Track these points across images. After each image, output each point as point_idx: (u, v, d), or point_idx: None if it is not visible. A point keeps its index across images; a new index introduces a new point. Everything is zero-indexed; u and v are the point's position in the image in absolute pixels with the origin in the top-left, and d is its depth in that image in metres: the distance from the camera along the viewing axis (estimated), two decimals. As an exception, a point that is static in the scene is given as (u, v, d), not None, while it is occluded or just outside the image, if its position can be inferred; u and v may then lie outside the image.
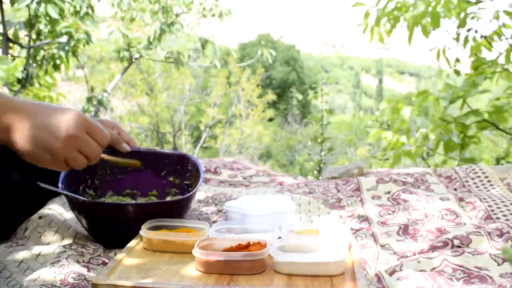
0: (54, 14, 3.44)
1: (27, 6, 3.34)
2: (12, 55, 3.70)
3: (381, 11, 2.79)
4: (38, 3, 3.38)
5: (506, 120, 2.75)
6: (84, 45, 4.02)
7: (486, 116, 2.73)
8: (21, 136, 0.80)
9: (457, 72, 2.79)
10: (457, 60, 2.83)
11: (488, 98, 2.91)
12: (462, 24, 2.71)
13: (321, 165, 2.93)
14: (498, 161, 2.98)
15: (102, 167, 1.19)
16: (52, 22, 3.55)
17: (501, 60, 2.69)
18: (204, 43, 6.63)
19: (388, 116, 2.94)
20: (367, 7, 2.82)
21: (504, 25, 2.71)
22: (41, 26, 3.90)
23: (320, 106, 2.97)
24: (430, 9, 2.64)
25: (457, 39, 2.78)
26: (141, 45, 6.11)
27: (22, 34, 3.82)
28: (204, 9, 6.14)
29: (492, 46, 2.75)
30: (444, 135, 2.74)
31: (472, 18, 2.71)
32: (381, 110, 3.09)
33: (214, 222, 1.20)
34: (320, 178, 2.59)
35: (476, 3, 2.69)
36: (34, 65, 3.84)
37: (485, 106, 2.85)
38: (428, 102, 2.76)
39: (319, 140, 2.86)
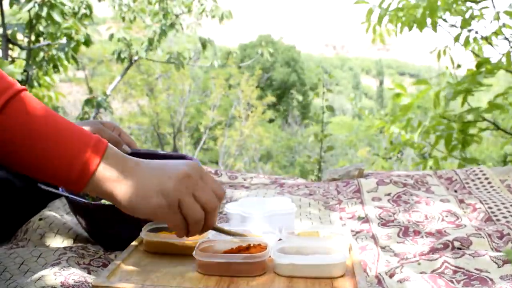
0: (58, 18, 3.45)
1: (29, 10, 3.35)
2: (11, 57, 3.70)
3: (384, 10, 2.78)
4: (40, 6, 3.38)
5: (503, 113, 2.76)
6: (87, 46, 4.02)
7: (486, 115, 2.73)
8: (129, 186, 0.73)
9: (459, 66, 2.77)
10: (459, 66, 2.83)
11: (489, 98, 2.90)
12: (464, 25, 2.71)
13: (321, 163, 2.93)
14: (505, 162, 2.97)
15: None
16: (54, 23, 3.56)
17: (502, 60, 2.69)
18: (204, 44, 6.63)
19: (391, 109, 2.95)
20: (369, 5, 2.82)
21: (504, 25, 2.71)
22: (41, 28, 3.91)
23: (321, 104, 2.98)
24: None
25: (457, 39, 2.78)
26: (142, 46, 6.12)
27: (22, 35, 3.83)
28: (204, 10, 6.15)
29: (491, 45, 2.75)
30: (445, 131, 2.74)
31: (473, 18, 2.71)
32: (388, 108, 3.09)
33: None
34: (320, 175, 2.59)
35: (477, 2, 2.69)
36: (34, 66, 3.84)
37: (486, 106, 2.85)
38: (428, 97, 2.76)
39: (319, 138, 2.87)
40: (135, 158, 0.77)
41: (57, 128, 0.71)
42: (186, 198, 0.74)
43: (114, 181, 0.73)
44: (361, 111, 3.28)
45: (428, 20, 2.68)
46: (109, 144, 0.74)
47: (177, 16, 6.18)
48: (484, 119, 2.76)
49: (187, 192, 0.74)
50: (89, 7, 4.43)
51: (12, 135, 0.68)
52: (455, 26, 2.76)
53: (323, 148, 2.88)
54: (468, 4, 2.70)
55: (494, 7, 2.69)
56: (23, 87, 0.72)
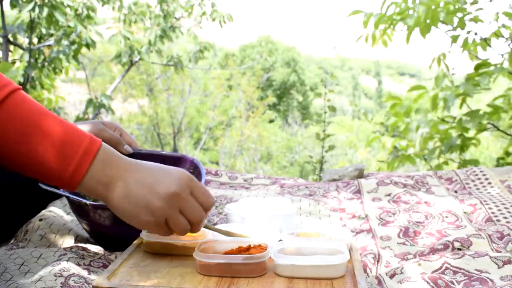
0: (62, 19, 3.45)
1: (29, 10, 3.35)
2: (13, 60, 3.71)
3: (380, 16, 2.78)
4: (40, 7, 3.39)
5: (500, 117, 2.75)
6: (88, 49, 4.03)
7: (485, 118, 2.73)
8: (120, 192, 0.74)
9: (454, 72, 2.77)
10: (453, 74, 2.83)
11: (488, 100, 2.90)
12: (461, 25, 2.71)
13: (323, 163, 2.93)
14: (498, 161, 2.97)
15: None
16: (53, 24, 3.57)
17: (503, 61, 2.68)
18: (204, 46, 6.64)
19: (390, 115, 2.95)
20: (364, 14, 2.82)
21: (503, 26, 2.71)
22: (42, 29, 3.91)
23: (323, 104, 2.98)
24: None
25: (455, 40, 2.78)
26: (142, 48, 6.13)
27: (22, 37, 3.83)
28: (204, 13, 6.15)
29: (490, 46, 2.75)
30: (444, 140, 2.74)
31: (471, 20, 2.71)
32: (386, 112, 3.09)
33: (215, 224, 1.20)
34: (321, 175, 2.59)
35: (473, 3, 2.69)
36: (34, 67, 3.84)
37: (485, 108, 2.84)
38: (427, 97, 2.75)
39: (321, 137, 2.86)
40: (129, 161, 0.77)
41: (51, 127, 0.71)
42: (173, 216, 0.76)
43: (105, 186, 0.74)
44: (364, 115, 3.28)
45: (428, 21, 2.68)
46: (103, 144, 0.75)
47: (177, 19, 6.19)
48: (487, 123, 2.76)
49: (175, 210, 0.76)
50: (92, 9, 4.44)
51: (6, 131, 0.69)
52: (454, 29, 2.76)
53: (324, 148, 2.87)
54: (464, 6, 2.70)
55: (492, 8, 2.69)
56: (19, 86, 0.73)
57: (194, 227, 0.80)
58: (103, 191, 0.74)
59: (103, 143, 0.75)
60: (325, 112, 2.94)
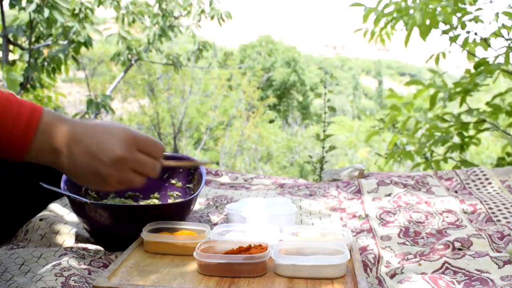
0: (60, 18, 3.45)
1: (30, 11, 3.35)
2: (13, 60, 3.71)
3: (380, 12, 2.78)
4: (40, 7, 3.39)
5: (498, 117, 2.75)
6: (87, 48, 4.03)
7: (484, 115, 2.73)
8: (67, 162, 0.75)
9: (469, 72, 2.76)
10: (443, 73, 2.82)
11: (488, 99, 2.90)
12: (461, 25, 2.71)
13: (323, 163, 2.92)
14: (498, 161, 2.97)
15: None
16: (50, 23, 3.57)
17: (500, 60, 2.69)
18: (203, 45, 6.64)
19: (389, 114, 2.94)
20: (365, 8, 2.81)
21: (503, 26, 2.71)
22: (42, 29, 3.91)
23: (323, 104, 2.97)
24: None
25: (455, 40, 2.78)
26: (141, 47, 6.12)
27: (22, 36, 3.83)
28: (203, 11, 6.15)
29: (490, 46, 2.74)
30: (442, 136, 2.74)
31: (470, 20, 2.71)
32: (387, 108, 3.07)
33: (215, 224, 1.20)
34: (322, 175, 2.58)
35: (472, 3, 2.69)
36: (34, 67, 3.84)
37: (485, 107, 2.84)
38: (427, 95, 2.75)
39: (321, 138, 2.86)
40: (71, 127, 0.76)
41: None
42: (124, 177, 0.77)
43: (52, 154, 0.75)
44: (363, 113, 3.27)
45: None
46: (44, 109, 0.74)
47: (176, 18, 6.19)
48: (484, 121, 2.75)
49: (125, 173, 0.77)
50: (90, 10, 4.44)
51: None
52: (454, 28, 2.76)
53: (324, 148, 2.86)
54: (463, 6, 2.70)
55: (492, 8, 2.69)
56: None
57: (152, 177, 0.82)
58: (51, 159, 0.75)
59: (44, 109, 0.75)
60: (325, 113, 2.93)
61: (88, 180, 0.77)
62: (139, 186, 0.80)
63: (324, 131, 2.89)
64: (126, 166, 0.77)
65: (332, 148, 2.81)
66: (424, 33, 2.65)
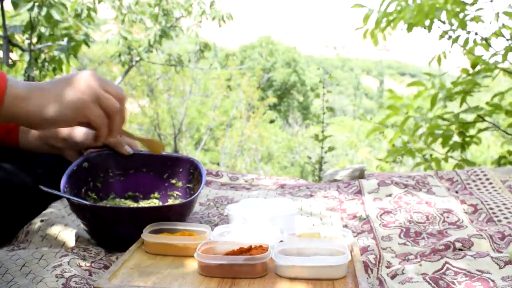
0: (57, 16, 3.45)
1: (28, 10, 3.35)
2: (12, 60, 3.71)
3: (382, 13, 2.78)
4: (40, 7, 3.39)
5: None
6: (87, 46, 4.03)
7: (485, 112, 2.73)
8: (38, 100, 0.82)
9: (466, 71, 2.76)
10: (442, 74, 2.82)
11: (488, 99, 2.90)
12: (462, 26, 2.71)
13: (322, 164, 2.92)
14: (500, 160, 2.97)
15: (104, 169, 1.19)
16: (52, 24, 3.57)
17: (499, 58, 2.69)
18: (204, 46, 6.65)
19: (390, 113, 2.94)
20: (366, 9, 2.82)
21: (504, 25, 2.71)
22: (42, 29, 3.91)
23: (322, 105, 2.97)
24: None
25: (455, 40, 2.78)
26: (142, 48, 6.13)
27: (22, 37, 3.83)
28: (203, 12, 6.16)
29: (490, 46, 2.74)
30: (442, 132, 2.74)
31: (472, 20, 2.71)
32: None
33: (216, 225, 1.20)
34: (321, 176, 2.58)
35: (472, 4, 2.69)
36: (35, 68, 3.84)
37: (485, 107, 2.84)
38: (427, 95, 2.75)
39: (319, 138, 2.86)
40: (37, 83, 0.84)
41: None
42: (91, 106, 0.85)
43: (22, 100, 0.81)
44: (363, 117, 3.27)
45: (426, 22, 2.68)
46: (8, 77, 0.81)
47: (177, 19, 6.20)
48: (483, 120, 2.76)
49: (93, 101, 0.85)
50: (93, 9, 4.45)
51: None
52: (453, 30, 2.76)
53: (323, 149, 2.87)
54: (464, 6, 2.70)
55: (492, 8, 2.69)
56: None
57: (112, 121, 0.89)
58: (24, 107, 0.82)
59: (8, 78, 0.81)
60: (324, 113, 2.93)
61: (56, 114, 0.84)
62: (100, 125, 0.88)
63: (322, 131, 2.89)
64: (94, 95, 0.85)
65: (331, 149, 2.81)
66: (417, 22, 2.64)
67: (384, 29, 2.87)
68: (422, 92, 2.75)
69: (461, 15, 2.69)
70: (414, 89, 2.93)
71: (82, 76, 0.86)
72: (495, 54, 2.64)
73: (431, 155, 3.00)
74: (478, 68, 2.66)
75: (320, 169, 2.88)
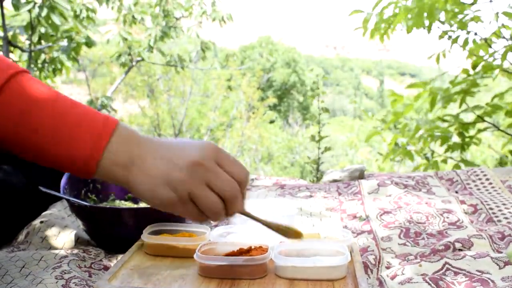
0: (57, 21, 3.45)
1: (29, 10, 3.35)
2: (13, 61, 3.71)
3: (380, 16, 2.79)
4: (40, 8, 3.39)
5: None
6: (88, 47, 4.03)
7: (482, 112, 2.73)
8: (141, 173, 0.66)
9: (466, 72, 2.76)
10: (442, 74, 2.82)
11: (488, 100, 2.90)
12: (462, 26, 2.71)
13: (319, 164, 2.92)
14: (501, 159, 2.97)
15: None
16: (53, 26, 3.57)
17: (498, 57, 2.69)
18: (205, 46, 6.65)
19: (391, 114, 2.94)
20: (365, 14, 2.82)
21: (503, 26, 2.71)
22: (42, 30, 3.92)
23: (318, 105, 2.97)
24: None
25: (455, 41, 2.78)
26: (142, 48, 6.14)
27: (23, 38, 3.83)
28: (204, 13, 6.17)
29: (490, 46, 2.75)
30: (442, 133, 2.74)
31: (471, 20, 2.71)
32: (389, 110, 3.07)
33: (215, 226, 1.20)
34: (318, 176, 2.58)
35: (472, 4, 2.69)
36: (35, 68, 3.85)
37: (485, 107, 2.85)
38: (427, 96, 2.75)
39: (316, 139, 2.86)
40: (148, 139, 0.69)
41: (61, 109, 0.65)
42: (197, 189, 0.66)
43: (123, 168, 0.66)
44: (365, 114, 3.27)
45: (426, 22, 2.68)
46: (119, 122, 0.68)
47: (177, 19, 6.20)
48: (483, 120, 2.76)
49: (199, 183, 0.66)
50: (92, 10, 4.45)
51: (12, 115, 0.63)
52: (452, 30, 2.76)
53: (320, 149, 2.87)
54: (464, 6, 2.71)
55: (492, 9, 2.69)
56: (25, 69, 0.68)
57: (228, 205, 0.68)
58: (122, 173, 0.66)
59: (120, 122, 0.68)
60: (320, 114, 2.93)
61: (158, 192, 0.66)
62: (213, 214, 0.68)
63: (319, 132, 2.89)
64: (201, 174, 0.66)
65: (327, 149, 2.81)
66: (417, 24, 2.65)
67: (384, 32, 2.87)
68: (422, 93, 2.75)
69: (460, 16, 2.69)
70: (414, 89, 2.93)
71: (191, 152, 0.67)
72: (492, 54, 2.64)
73: (432, 152, 3.00)
74: (478, 68, 2.66)
75: (317, 170, 2.88)
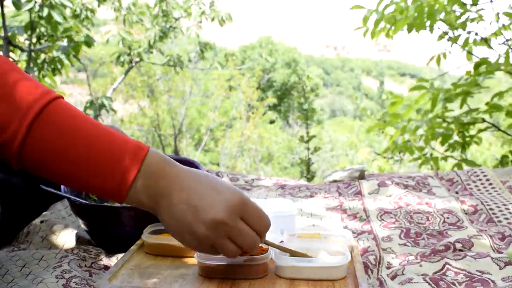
0: (58, 18, 3.45)
1: (29, 10, 3.35)
2: (13, 60, 3.71)
3: (380, 14, 2.78)
4: (41, 7, 3.39)
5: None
6: (88, 47, 4.03)
7: (486, 115, 2.73)
8: (165, 211, 0.70)
9: (469, 74, 2.76)
10: (443, 74, 2.82)
11: (489, 99, 2.90)
12: (462, 26, 2.71)
13: (310, 165, 2.92)
14: (502, 159, 2.96)
15: None
16: (53, 25, 3.57)
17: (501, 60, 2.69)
18: (204, 46, 6.66)
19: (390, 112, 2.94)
20: (365, 10, 2.81)
21: (504, 26, 2.71)
22: (42, 30, 3.92)
23: (304, 106, 2.98)
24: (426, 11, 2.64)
25: (455, 40, 2.78)
26: (142, 48, 6.14)
27: (22, 38, 3.83)
28: (203, 13, 6.17)
29: (490, 47, 2.75)
30: (442, 131, 2.74)
31: (472, 20, 2.71)
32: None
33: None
34: (309, 177, 2.59)
35: (472, 5, 2.70)
36: (35, 68, 3.85)
37: (485, 108, 2.84)
38: (425, 99, 2.75)
39: (305, 139, 2.86)
40: (176, 173, 0.71)
41: (93, 136, 0.67)
42: (218, 241, 0.71)
43: (151, 200, 0.70)
44: (364, 111, 3.27)
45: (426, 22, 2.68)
46: (150, 149, 0.70)
47: (176, 19, 6.21)
48: (483, 120, 2.76)
49: (221, 238, 0.71)
50: (92, 10, 4.45)
51: (47, 142, 0.65)
52: (454, 29, 2.76)
53: (310, 150, 2.88)
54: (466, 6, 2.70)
55: (492, 9, 2.69)
56: (60, 94, 0.69)
57: (248, 252, 0.75)
58: (150, 204, 0.70)
59: (150, 149, 0.70)
60: (306, 116, 2.95)
61: (183, 237, 0.71)
62: (231, 256, 0.73)
63: (307, 132, 2.90)
64: (224, 232, 0.70)
65: (317, 149, 2.82)
66: (418, 26, 2.64)
67: (384, 30, 2.87)
68: (423, 95, 2.75)
69: (463, 18, 2.69)
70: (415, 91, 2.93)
71: (214, 202, 0.69)
72: (499, 58, 2.63)
73: (431, 154, 3.00)
74: (481, 68, 2.66)
75: (308, 171, 2.88)
